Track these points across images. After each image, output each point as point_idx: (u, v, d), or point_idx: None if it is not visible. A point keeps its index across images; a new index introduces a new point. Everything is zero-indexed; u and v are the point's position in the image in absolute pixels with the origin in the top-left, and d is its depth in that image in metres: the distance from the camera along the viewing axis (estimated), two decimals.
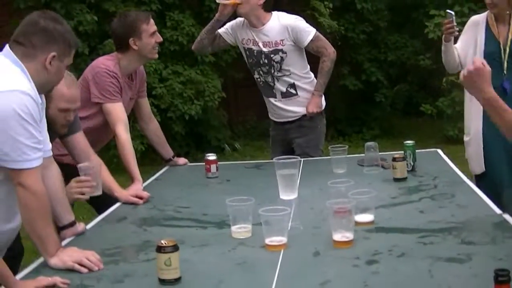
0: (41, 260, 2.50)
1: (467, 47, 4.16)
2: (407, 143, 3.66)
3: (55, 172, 2.74)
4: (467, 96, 4.10)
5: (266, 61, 4.31)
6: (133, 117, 8.81)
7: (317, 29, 4.17)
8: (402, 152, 3.64)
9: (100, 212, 3.38)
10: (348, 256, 2.38)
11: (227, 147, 9.85)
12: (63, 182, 2.79)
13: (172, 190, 3.70)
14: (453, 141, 9.46)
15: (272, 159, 4.45)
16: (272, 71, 4.32)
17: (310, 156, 4.21)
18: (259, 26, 4.24)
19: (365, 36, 10.01)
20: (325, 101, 4.46)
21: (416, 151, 4.01)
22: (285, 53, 4.24)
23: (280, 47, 4.23)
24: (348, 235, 2.48)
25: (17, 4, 8.18)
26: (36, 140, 2.42)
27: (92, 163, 3.21)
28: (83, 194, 3.05)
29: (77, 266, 2.41)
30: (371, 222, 2.73)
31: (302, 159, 3.89)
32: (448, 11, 4.09)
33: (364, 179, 3.55)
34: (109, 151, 8.53)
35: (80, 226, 2.88)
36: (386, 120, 10.71)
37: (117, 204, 3.40)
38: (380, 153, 3.90)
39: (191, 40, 9.05)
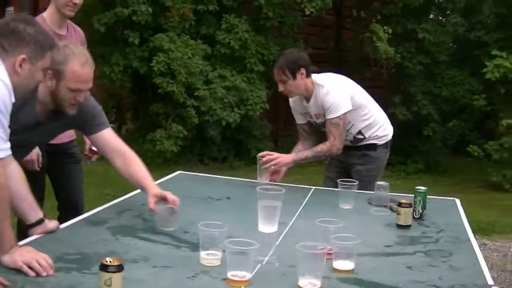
0: None
1: None
2: (419, 189, 3.42)
3: (15, 170, 2.62)
4: None
5: (326, 129, 4.26)
6: (174, 115, 8.83)
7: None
8: (413, 196, 3.42)
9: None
10: None
11: None
12: (25, 179, 2.68)
13: None
14: (496, 187, 9.11)
15: (326, 176, 4.53)
16: None
17: (365, 186, 3.96)
18: (308, 98, 4.21)
19: (421, 68, 9.71)
20: None
21: (434, 197, 3.83)
22: None
23: None
24: (315, 283, 2.28)
25: None
26: (4, 131, 2.32)
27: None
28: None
29: (25, 268, 2.28)
30: (351, 271, 2.52)
31: (313, 188, 3.86)
32: None
33: (367, 220, 3.38)
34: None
35: (50, 224, 2.75)
36: (432, 155, 10.40)
37: (105, 205, 3.29)
38: (398, 194, 3.70)
39: (243, 45, 8.97)
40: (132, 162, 3.18)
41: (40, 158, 3.82)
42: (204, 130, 9.07)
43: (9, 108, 2.33)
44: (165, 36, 8.64)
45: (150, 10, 8.54)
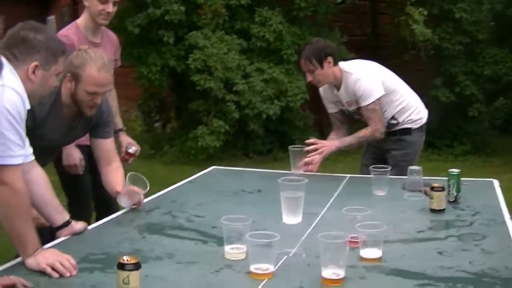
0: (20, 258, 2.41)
1: None
2: (452, 172, 3.34)
3: (39, 174, 2.66)
4: None
5: (359, 116, 4.23)
6: (215, 111, 8.83)
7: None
8: (447, 179, 3.34)
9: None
10: None
11: None
12: (49, 183, 2.70)
13: (198, 196, 3.54)
14: None
15: (361, 163, 4.43)
16: None
17: (402, 171, 3.87)
18: (338, 87, 4.16)
19: (461, 48, 9.49)
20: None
21: (472, 179, 3.76)
22: None
23: None
24: (339, 273, 2.24)
25: None
26: (20, 137, 2.35)
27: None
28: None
29: (48, 270, 2.31)
30: (378, 259, 2.47)
31: (348, 176, 3.90)
32: None
33: (400, 206, 3.32)
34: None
35: (77, 225, 2.78)
36: (480, 136, 10.17)
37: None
38: (433, 178, 3.63)
39: (278, 37, 8.91)
40: (114, 172, 3.30)
41: (83, 162, 3.87)
42: (245, 124, 9.05)
43: (23, 115, 2.36)
44: (200, 33, 8.63)
45: (182, 8, 8.54)
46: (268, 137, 9.64)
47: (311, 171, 4.04)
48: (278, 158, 9.44)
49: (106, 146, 3.34)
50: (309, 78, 4.08)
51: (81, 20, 4.00)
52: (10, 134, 2.29)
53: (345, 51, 9.25)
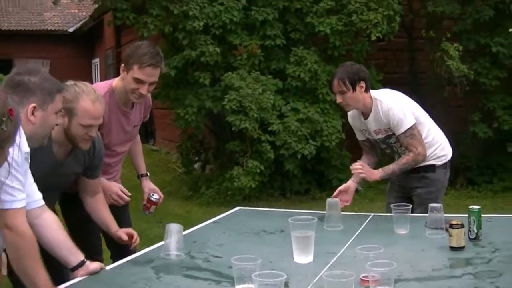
0: None
1: None
2: (472, 208, 3.31)
3: (50, 218, 2.74)
4: None
5: (385, 145, 4.28)
6: (251, 152, 8.88)
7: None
8: (467, 216, 3.31)
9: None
10: None
11: None
12: (61, 226, 2.78)
13: (220, 236, 3.56)
14: None
15: (387, 202, 4.41)
16: (395, 149, 4.25)
17: (427, 209, 3.73)
18: (366, 115, 4.17)
19: (498, 83, 9.38)
20: (453, 149, 4.39)
21: (496, 215, 3.72)
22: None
23: (390, 132, 4.15)
24: None
25: (142, 33, 8.44)
26: (19, 182, 2.45)
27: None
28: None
29: None
30: None
31: (371, 215, 3.80)
32: None
33: (421, 244, 3.29)
34: None
35: (92, 265, 2.82)
36: None
37: (157, 245, 3.33)
38: (453, 215, 3.58)
39: (313, 76, 8.96)
40: (102, 205, 3.49)
41: (125, 190, 3.81)
42: (280, 164, 9.07)
43: (21, 161, 2.44)
44: (235, 74, 8.73)
45: (218, 50, 8.67)
46: (305, 177, 9.65)
47: (346, 201, 4.15)
48: (317, 198, 9.40)
49: (96, 184, 3.49)
50: (339, 99, 4.09)
51: (117, 84, 3.73)
52: (8, 181, 2.38)
53: (381, 88, 9.24)
